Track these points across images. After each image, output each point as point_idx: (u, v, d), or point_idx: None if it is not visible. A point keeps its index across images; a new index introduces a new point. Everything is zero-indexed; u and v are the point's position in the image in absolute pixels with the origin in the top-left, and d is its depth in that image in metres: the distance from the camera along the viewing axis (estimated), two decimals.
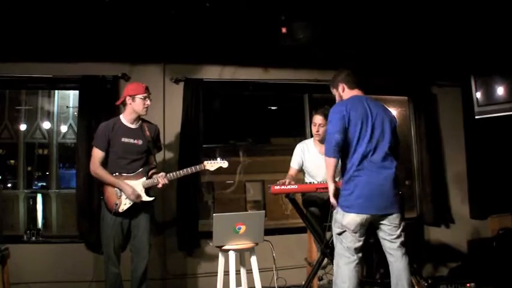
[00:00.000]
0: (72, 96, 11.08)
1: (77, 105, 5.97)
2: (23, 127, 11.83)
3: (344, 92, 4.15)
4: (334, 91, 4.23)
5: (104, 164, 4.61)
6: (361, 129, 3.84)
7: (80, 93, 5.75)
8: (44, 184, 12.02)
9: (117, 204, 4.52)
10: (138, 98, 4.61)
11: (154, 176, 4.68)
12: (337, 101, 4.16)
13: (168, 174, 4.70)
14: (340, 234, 3.85)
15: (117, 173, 4.58)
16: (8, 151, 12.16)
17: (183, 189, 5.76)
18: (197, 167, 4.81)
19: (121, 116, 4.74)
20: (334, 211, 3.93)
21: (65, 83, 6.07)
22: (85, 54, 5.67)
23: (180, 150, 5.82)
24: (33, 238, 5.68)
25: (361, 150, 3.82)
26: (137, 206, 4.61)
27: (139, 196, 4.59)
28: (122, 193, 4.55)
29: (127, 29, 5.39)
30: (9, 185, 11.47)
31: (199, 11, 5.11)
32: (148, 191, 4.67)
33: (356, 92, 4.12)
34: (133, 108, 4.65)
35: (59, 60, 5.67)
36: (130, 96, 4.62)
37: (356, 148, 3.83)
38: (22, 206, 10.53)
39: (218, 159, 4.86)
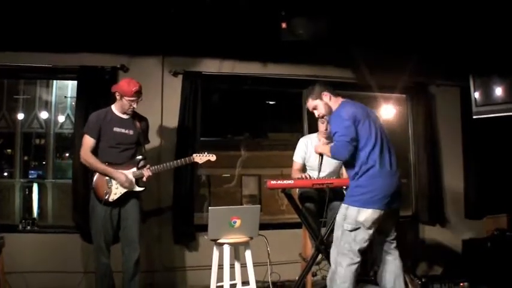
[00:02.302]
0: (70, 87, 11.02)
1: (75, 95, 5.96)
2: (20, 116, 11.79)
3: (331, 100, 4.21)
4: (317, 102, 4.26)
5: (94, 153, 4.62)
6: (369, 126, 3.92)
7: (78, 83, 5.76)
8: (41, 174, 11.99)
9: (107, 194, 4.54)
10: (126, 99, 4.61)
11: (141, 169, 4.70)
12: (323, 111, 4.25)
13: (152, 167, 4.73)
14: (353, 230, 3.83)
15: (107, 162, 4.60)
16: (5, 140, 12.11)
17: (179, 182, 5.76)
18: (186, 159, 4.89)
19: (112, 106, 4.76)
20: (344, 207, 3.92)
21: (63, 73, 6.07)
22: (84, 45, 5.66)
23: (177, 143, 5.83)
24: (29, 228, 5.69)
25: (371, 145, 3.88)
26: (127, 196, 4.63)
27: (132, 183, 4.62)
28: (113, 182, 4.57)
29: (126, 20, 5.39)
30: (5, 174, 11.44)
31: (199, 4, 5.10)
32: (138, 181, 4.70)
33: (342, 98, 4.24)
34: (119, 104, 4.68)
35: (57, 51, 5.66)
36: (120, 94, 4.62)
37: (366, 143, 3.88)
38: (18, 196, 10.48)
39: (206, 152, 4.94)
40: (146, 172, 4.67)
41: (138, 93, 4.63)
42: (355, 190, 3.89)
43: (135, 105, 4.66)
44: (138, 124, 4.78)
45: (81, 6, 5.12)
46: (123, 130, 4.67)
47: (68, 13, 5.22)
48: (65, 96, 11.65)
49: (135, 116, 4.81)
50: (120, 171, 4.60)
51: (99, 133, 4.62)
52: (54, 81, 10.92)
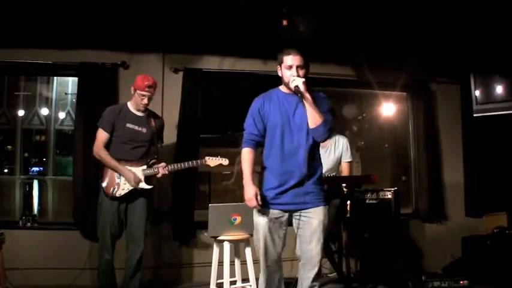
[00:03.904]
0: (71, 83, 11.03)
1: (75, 92, 5.96)
2: (21, 113, 11.82)
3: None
4: (306, 66, 3.58)
5: (107, 148, 4.62)
6: None
7: (79, 80, 5.75)
8: (41, 170, 12.03)
9: (114, 189, 4.54)
10: (138, 93, 4.62)
11: (155, 166, 4.69)
12: (303, 76, 3.51)
13: (168, 166, 4.73)
14: None
15: (118, 158, 4.59)
16: (5, 137, 12.14)
17: (180, 179, 5.76)
18: (198, 161, 4.87)
19: (128, 103, 4.76)
20: (326, 208, 3.56)
21: (64, 70, 6.05)
22: (84, 42, 5.66)
23: (178, 140, 5.83)
24: (29, 224, 5.68)
25: None
26: (135, 193, 4.63)
27: (139, 182, 4.61)
28: (121, 178, 4.57)
29: (127, 17, 5.39)
30: (5, 171, 11.48)
31: (199, 1, 5.11)
32: (147, 179, 4.69)
33: None
34: (134, 99, 4.69)
35: (58, 47, 5.65)
36: (134, 88, 4.64)
37: None
38: (18, 192, 10.52)
39: (219, 156, 4.91)
40: (162, 171, 4.67)
41: (150, 88, 4.63)
42: (323, 189, 3.64)
43: (145, 101, 4.65)
44: (152, 123, 4.78)
45: (82, 3, 5.12)
46: (136, 127, 4.67)
47: (69, 10, 5.21)
48: (66, 93, 11.68)
49: (151, 114, 4.83)
50: (129, 168, 4.59)
51: (113, 128, 4.62)
52: (55, 78, 10.94)
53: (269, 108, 3.62)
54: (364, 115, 9.53)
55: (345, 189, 5.14)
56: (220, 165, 4.95)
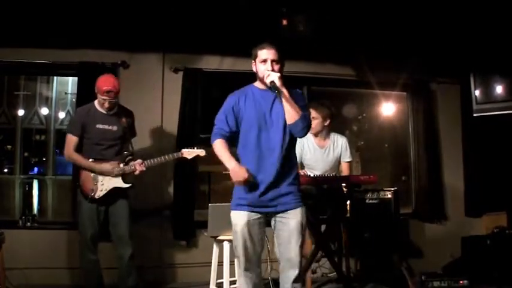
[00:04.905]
0: (71, 83, 11.02)
1: (75, 91, 5.96)
2: (20, 112, 11.80)
3: None
4: (281, 60, 3.51)
5: (79, 150, 4.57)
6: None
7: (79, 79, 5.74)
8: (41, 170, 12.02)
9: (93, 191, 4.51)
10: (98, 95, 4.56)
11: (131, 163, 4.64)
12: (278, 71, 3.45)
13: (145, 161, 4.67)
14: None
15: (93, 159, 4.54)
16: (5, 136, 12.12)
17: (180, 179, 5.76)
18: (175, 154, 4.82)
19: (95, 102, 4.67)
20: (304, 209, 3.44)
21: (63, 69, 6.04)
22: (84, 41, 5.65)
23: (178, 140, 5.81)
24: (29, 224, 5.67)
25: None
26: (114, 194, 4.59)
27: (120, 169, 4.58)
28: (98, 179, 4.53)
29: (127, 16, 5.39)
30: (5, 170, 11.47)
31: (199, 1, 5.11)
32: (125, 177, 4.64)
33: None
34: (98, 99, 4.61)
35: (58, 47, 5.65)
36: (96, 88, 4.56)
37: None
38: (18, 192, 10.51)
39: (195, 147, 4.83)
40: (139, 167, 4.61)
41: (110, 93, 4.49)
42: (299, 189, 3.51)
43: (107, 105, 4.55)
44: (123, 119, 4.68)
45: (82, 2, 5.12)
46: (106, 126, 4.59)
47: (68, 9, 5.21)
48: (66, 93, 11.65)
49: (120, 111, 4.74)
50: (103, 163, 4.54)
51: (83, 130, 4.56)
52: (55, 78, 10.92)
53: (244, 106, 3.48)
54: (364, 115, 9.52)
55: (344, 189, 5.14)
56: (198, 156, 4.86)
